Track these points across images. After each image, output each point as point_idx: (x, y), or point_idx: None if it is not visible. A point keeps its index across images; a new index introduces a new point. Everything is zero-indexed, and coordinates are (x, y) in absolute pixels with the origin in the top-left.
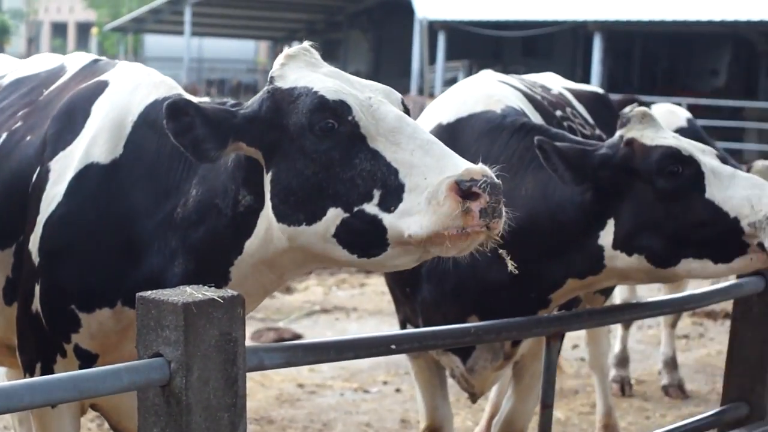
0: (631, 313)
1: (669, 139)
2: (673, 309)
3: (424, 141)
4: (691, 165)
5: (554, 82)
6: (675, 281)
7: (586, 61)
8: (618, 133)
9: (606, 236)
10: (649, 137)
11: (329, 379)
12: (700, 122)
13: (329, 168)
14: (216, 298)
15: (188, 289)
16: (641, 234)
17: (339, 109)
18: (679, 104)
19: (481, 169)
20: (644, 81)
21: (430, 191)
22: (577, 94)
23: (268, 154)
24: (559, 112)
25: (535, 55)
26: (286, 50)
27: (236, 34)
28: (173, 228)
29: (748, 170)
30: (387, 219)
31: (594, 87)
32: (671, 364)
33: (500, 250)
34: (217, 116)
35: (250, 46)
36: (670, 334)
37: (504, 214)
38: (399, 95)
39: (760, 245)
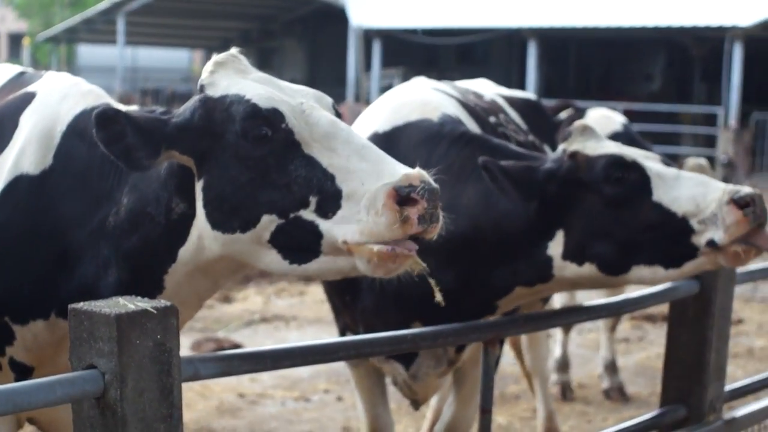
0: (567, 317)
1: (611, 147)
2: (609, 313)
3: (359, 146)
4: (636, 170)
5: (487, 89)
6: (622, 286)
7: (522, 67)
8: (560, 147)
9: (555, 247)
10: (591, 148)
11: (270, 389)
12: (636, 127)
13: (264, 175)
14: (149, 308)
15: (121, 300)
16: (592, 243)
17: (272, 117)
18: (615, 109)
19: (419, 173)
20: (580, 86)
21: (368, 198)
22: (510, 100)
23: (200, 162)
24: (492, 119)
25: (471, 62)
26: (215, 57)
27: (170, 43)
28: (106, 237)
29: (681, 168)
30: (324, 225)
31: (526, 93)
32: (611, 367)
33: (430, 279)
34: (148, 125)
35: (185, 56)
36: (609, 338)
37: (441, 219)
38: (330, 100)
39: (710, 243)
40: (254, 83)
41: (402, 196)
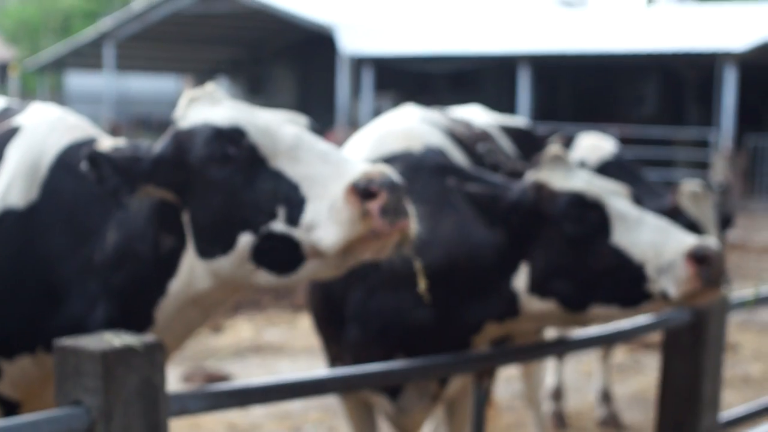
0: (560, 348)
1: (577, 182)
2: (602, 343)
3: (321, 152)
4: (596, 210)
5: (478, 116)
6: (588, 325)
7: (514, 93)
8: (527, 176)
9: (520, 280)
10: (558, 180)
11: (261, 419)
12: (630, 152)
13: (234, 194)
14: (135, 345)
15: (107, 335)
16: (553, 278)
17: (234, 135)
18: (608, 133)
19: (379, 168)
20: (573, 111)
21: (329, 199)
22: (501, 128)
23: (180, 194)
24: (481, 147)
25: (463, 88)
26: (188, 93)
27: (160, 69)
28: (93, 272)
29: (676, 192)
30: (296, 234)
31: (518, 119)
32: (606, 396)
33: (415, 262)
34: (124, 163)
35: (174, 83)
36: (603, 366)
37: (412, 212)
38: (305, 120)
39: (663, 294)
40: (222, 109)
41: (361, 191)
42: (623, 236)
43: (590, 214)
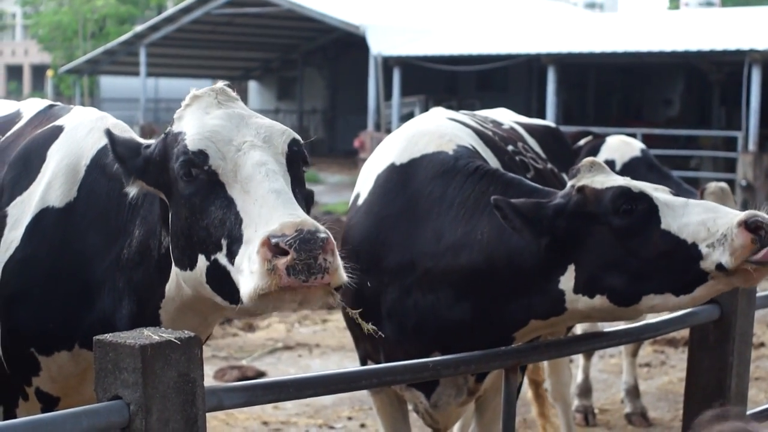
0: (588, 343)
1: (619, 181)
2: (630, 338)
3: (267, 190)
4: (644, 200)
5: (506, 117)
6: (637, 318)
7: (541, 94)
8: (569, 183)
9: (567, 281)
10: (599, 182)
11: (294, 416)
12: (656, 152)
13: (195, 214)
14: (173, 339)
15: (146, 331)
16: (602, 275)
17: (197, 158)
18: (634, 134)
19: (296, 222)
20: (599, 112)
21: (251, 246)
22: (529, 128)
23: (167, 195)
24: (511, 147)
25: (490, 89)
26: (193, 91)
27: (192, 73)
28: (120, 269)
29: (702, 192)
30: (232, 272)
31: (545, 121)
32: (633, 392)
33: (348, 310)
34: (124, 156)
35: (206, 85)
36: (630, 362)
37: (336, 267)
38: (293, 136)
39: (719, 267)
40: (210, 119)
41: (272, 246)
42: (673, 221)
43: (638, 205)
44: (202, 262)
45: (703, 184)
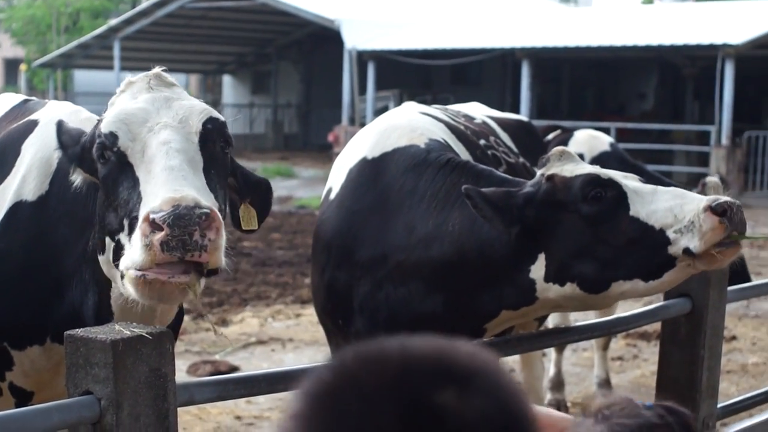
0: (560, 337)
1: (589, 169)
2: (601, 332)
3: (162, 167)
4: (613, 187)
5: (478, 111)
6: (608, 306)
7: (515, 88)
8: (539, 172)
9: (537, 270)
10: (568, 170)
11: (267, 411)
12: (629, 146)
13: (108, 197)
14: (144, 334)
15: (117, 326)
16: (572, 263)
17: (108, 140)
18: (608, 128)
19: (175, 198)
20: (573, 106)
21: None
22: (501, 123)
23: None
24: (483, 141)
25: (465, 83)
26: (129, 78)
27: (166, 67)
28: (87, 261)
29: (703, 187)
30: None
31: (517, 115)
32: (605, 386)
33: (205, 315)
34: (66, 144)
35: (181, 80)
36: (602, 356)
37: (217, 247)
38: (208, 116)
39: (686, 251)
40: (135, 103)
41: (151, 221)
42: (641, 207)
43: (607, 192)
44: (108, 243)
45: (677, 178)
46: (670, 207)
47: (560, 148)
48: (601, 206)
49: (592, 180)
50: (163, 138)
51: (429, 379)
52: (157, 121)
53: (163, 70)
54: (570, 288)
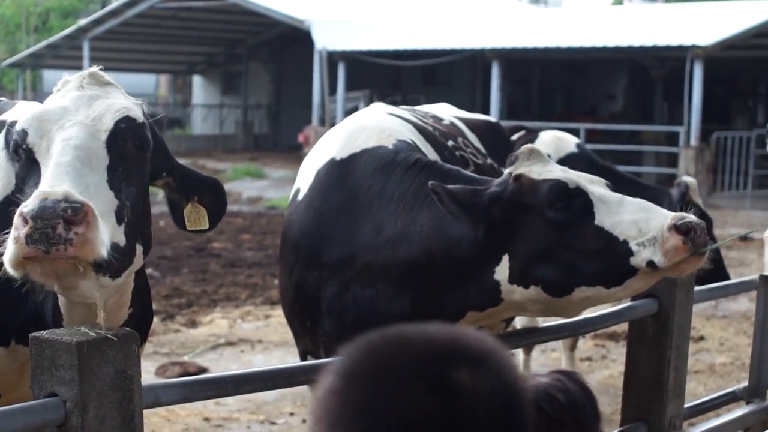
0: (527, 338)
1: (557, 172)
2: (569, 333)
3: (54, 163)
4: (579, 195)
5: (446, 112)
6: (576, 313)
7: (486, 89)
8: (506, 171)
9: (502, 271)
10: (536, 172)
11: (236, 412)
12: (599, 147)
13: (21, 192)
14: (110, 336)
15: (82, 327)
16: (536, 266)
17: (19, 137)
18: (578, 129)
19: (44, 192)
20: (543, 107)
21: None
22: (469, 123)
23: None
24: (450, 142)
25: (435, 84)
26: (65, 77)
27: (136, 68)
28: None
29: (685, 188)
30: None
31: (486, 116)
32: None
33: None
34: (7, 142)
35: (151, 80)
36: (569, 357)
37: (85, 241)
38: (123, 114)
39: (650, 264)
40: (58, 101)
41: (21, 216)
42: (607, 217)
43: (574, 200)
44: None
45: (646, 179)
46: (635, 219)
47: (529, 146)
48: (566, 214)
49: (560, 188)
50: (65, 135)
51: (449, 360)
52: (71, 118)
53: (100, 69)
54: (534, 291)
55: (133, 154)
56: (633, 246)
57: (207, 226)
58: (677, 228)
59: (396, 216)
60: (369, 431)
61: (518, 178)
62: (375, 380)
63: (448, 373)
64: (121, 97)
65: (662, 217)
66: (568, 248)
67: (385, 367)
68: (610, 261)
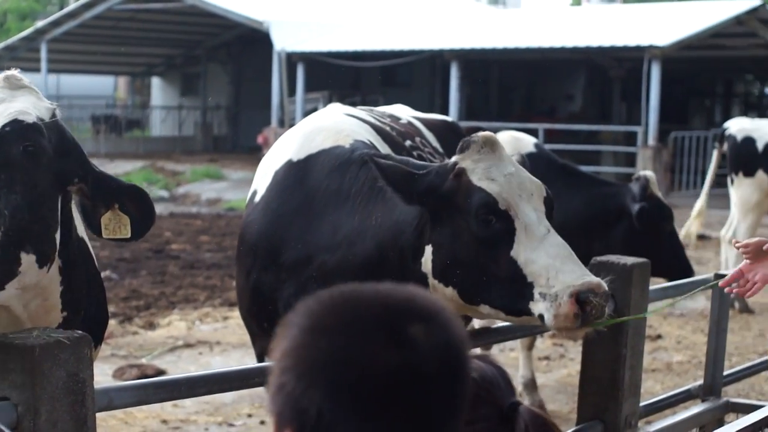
0: (485, 338)
1: (496, 180)
2: (525, 332)
3: None
4: (505, 220)
5: (403, 112)
6: (491, 319)
7: (445, 89)
8: (453, 158)
9: (426, 263)
10: (478, 174)
11: (193, 414)
12: (558, 146)
13: None
14: (62, 339)
15: (35, 331)
16: (454, 268)
17: None
18: (537, 130)
19: None
20: (502, 107)
21: None
22: (427, 123)
23: None
24: (408, 142)
25: (394, 85)
26: None
27: (94, 69)
28: None
29: (645, 182)
30: None
31: (443, 116)
32: (531, 385)
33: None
34: None
35: (110, 82)
36: (527, 356)
37: None
38: (11, 118)
39: (540, 317)
40: None
41: None
42: (523, 251)
43: (498, 222)
44: None
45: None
46: (547, 266)
47: (486, 134)
48: (488, 232)
49: (488, 204)
50: None
51: (404, 315)
52: None
53: (18, 72)
54: (451, 292)
55: (20, 159)
56: (536, 292)
57: (128, 235)
58: (577, 297)
59: (353, 212)
60: (335, 383)
61: (459, 175)
62: (340, 335)
63: (405, 327)
64: (32, 100)
65: (572, 276)
66: (482, 264)
67: (348, 323)
68: (513, 296)
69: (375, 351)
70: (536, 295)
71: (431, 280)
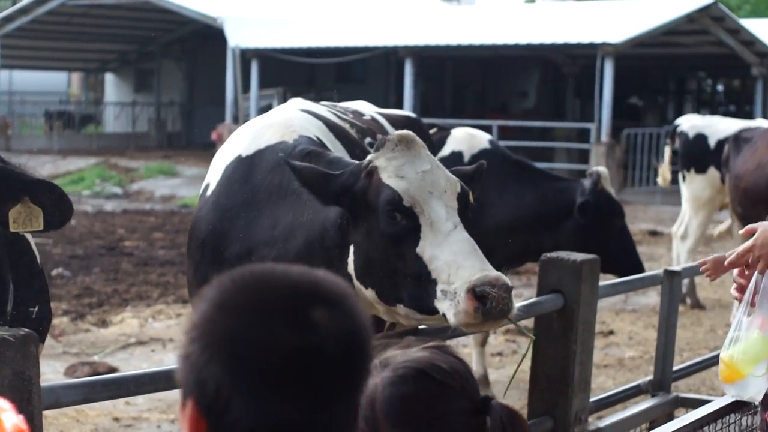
0: (435, 333)
1: (406, 177)
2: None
3: None
4: (410, 216)
5: (367, 109)
6: (413, 324)
7: (399, 86)
8: (369, 157)
9: (350, 264)
10: (389, 171)
11: (146, 412)
12: (511, 143)
13: None
14: (7, 337)
15: None
16: (370, 268)
17: None
18: (491, 126)
19: None
20: (456, 104)
21: None
22: (390, 119)
23: None
24: (368, 139)
25: (349, 81)
26: None
27: (47, 65)
28: None
29: (596, 177)
30: None
31: (406, 111)
32: (483, 381)
33: None
34: None
35: (63, 78)
36: (480, 352)
37: None
38: None
39: (444, 316)
40: None
41: None
42: (428, 248)
43: (403, 219)
44: None
45: (557, 175)
46: (449, 262)
47: (403, 132)
48: (395, 229)
49: (393, 200)
50: None
51: (308, 299)
52: None
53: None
54: (371, 293)
55: None
56: (438, 290)
57: (41, 227)
58: (474, 293)
59: (290, 208)
60: (234, 358)
61: (370, 173)
62: (245, 314)
63: (307, 311)
64: None
65: (470, 271)
66: (391, 262)
67: (252, 303)
68: (421, 294)
69: (275, 332)
70: (439, 293)
71: (356, 282)
